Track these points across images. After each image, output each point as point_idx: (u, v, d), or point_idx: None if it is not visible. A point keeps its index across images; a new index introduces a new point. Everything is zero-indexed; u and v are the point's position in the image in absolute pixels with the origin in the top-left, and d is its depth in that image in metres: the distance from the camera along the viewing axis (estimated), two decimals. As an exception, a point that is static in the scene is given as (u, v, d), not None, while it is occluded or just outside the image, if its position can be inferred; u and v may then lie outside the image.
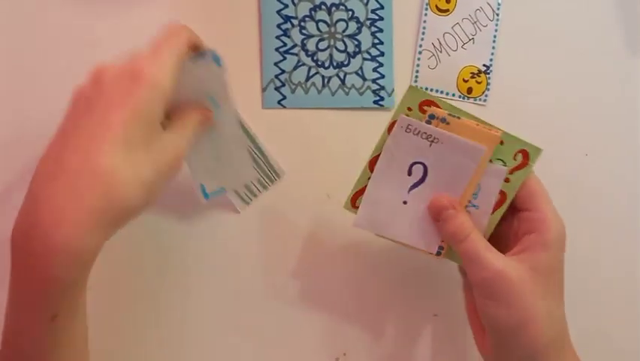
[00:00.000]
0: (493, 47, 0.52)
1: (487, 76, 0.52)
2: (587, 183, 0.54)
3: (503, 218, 0.42)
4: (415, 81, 0.51)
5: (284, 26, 0.50)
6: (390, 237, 0.43)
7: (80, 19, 0.49)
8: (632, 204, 0.55)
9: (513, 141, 0.41)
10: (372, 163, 0.42)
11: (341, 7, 0.50)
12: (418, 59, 0.51)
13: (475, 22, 0.51)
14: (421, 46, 0.51)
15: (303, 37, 0.50)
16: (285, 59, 0.50)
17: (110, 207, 0.33)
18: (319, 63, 0.50)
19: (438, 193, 0.42)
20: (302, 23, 0.50)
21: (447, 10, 0.51)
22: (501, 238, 0.42)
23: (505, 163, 0.41)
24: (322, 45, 0.50)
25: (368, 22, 0.50)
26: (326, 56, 0.50)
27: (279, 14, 0.49)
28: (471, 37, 0.51)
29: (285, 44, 0.50)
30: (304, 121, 0.51)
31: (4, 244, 0.35)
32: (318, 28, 0.50)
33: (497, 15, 0.51)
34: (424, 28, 0.51)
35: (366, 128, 0.50)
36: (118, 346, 0.49)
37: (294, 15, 0.50)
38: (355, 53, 0.50)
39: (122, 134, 0.34)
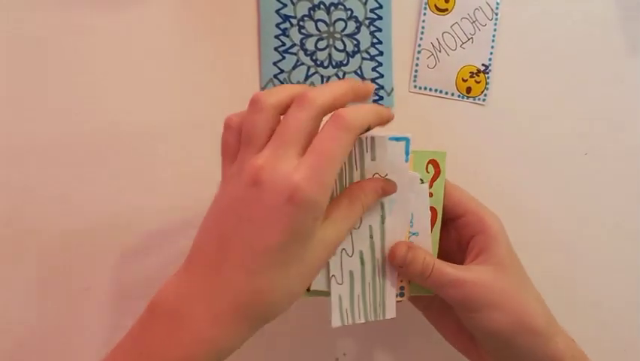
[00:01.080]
0: (492, 47, 0.51)
1: (486, 75, 0.52)
2: (586, 182, 0.54)
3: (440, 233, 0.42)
4: (414, 80, 0.51)
5: (283, 25, 0.49)
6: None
7: (79, 19, 0.48)
8: (632, 203, 0.55)
9: (420, 155, 0.40)
10: None
11: (340, 6, 0.50)
12: (417, 58, 0.51)
13: (474, 22, 0.51)
14: (419, 45, 0.51)
15: (302, 36, 0.50)
16: (284, 58, 0.50)
17: (261, 319, 0.35)
18: (318, 63, 0.50)
19: (392, 242, 0.41)
20: (301, 23, 0.50)
21: (446, 10, 0.50)
22: (445, 254, 0.42)
23: (422, 180, 0.41)
24: (321, 44, 0.50)
25: (367, 22, 0.50)
26: (325, 55, 0.50)
27: (278, 13, 0.49)
28: (470, 36, 0.51)
29: (284, 44, 0.50)
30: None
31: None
32: (317, 28, 0.50)
33: (496, 14, 0.51)
34: (422, 27, 0.51)
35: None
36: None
37: (292, 14, 0.49)
38: (354, 53, 0.50)
39: (280, 256, 0.34)
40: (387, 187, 0.39)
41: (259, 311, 0.35)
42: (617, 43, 0.55)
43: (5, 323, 0.47)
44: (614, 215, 0.55)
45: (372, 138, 0.38)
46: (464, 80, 0.51)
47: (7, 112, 0.48)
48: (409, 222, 0.41)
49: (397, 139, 0.38)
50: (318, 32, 0.50)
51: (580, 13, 0.54)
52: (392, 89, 0.51)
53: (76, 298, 0.48)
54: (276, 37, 0.49)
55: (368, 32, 0.50)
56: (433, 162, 0.41)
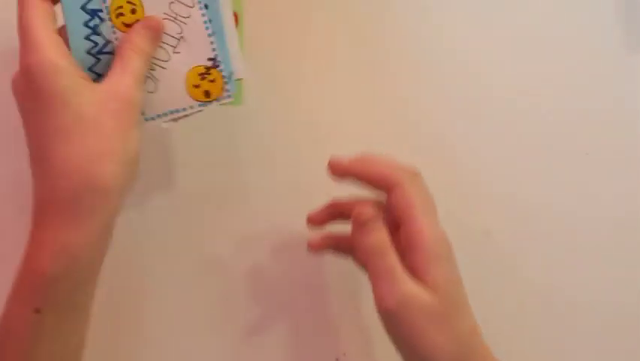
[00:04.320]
0: (210, 35, 0.41)
1: (219, 69, 0.42)
2: (587, 182, 0.55)
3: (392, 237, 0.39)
4: (143, 113, 0.42)
5: (92, 23, 0.42)
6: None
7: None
8: (633, 203, 0.55)
9: None
10: None
11: None
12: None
13: (175, 19, 0.40)
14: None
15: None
16: (99, 60, 0.42)
17: (90, 197, 0.36)
18: None
19: (361, 202, 0.41)
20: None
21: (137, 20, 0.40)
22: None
23: None
24: None
25: None
26: None
27: (84, 9, 0.42)
28: (178, 36, 0.41)
29: (96, 44, 0.42)
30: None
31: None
32: None
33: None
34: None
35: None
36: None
37: (99, 7, 0.42)
38: None
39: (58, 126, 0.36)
40: (154, 24, 0.40)
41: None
42: (617, 42, 0.56)
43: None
44: (614, 215, 0.55)
45: None
46: (196, 86, 0.42)
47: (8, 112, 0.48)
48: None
49: None
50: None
51: (580, 12, 0.56)
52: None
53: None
54: (86, 38, 0.42)
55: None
56: None
